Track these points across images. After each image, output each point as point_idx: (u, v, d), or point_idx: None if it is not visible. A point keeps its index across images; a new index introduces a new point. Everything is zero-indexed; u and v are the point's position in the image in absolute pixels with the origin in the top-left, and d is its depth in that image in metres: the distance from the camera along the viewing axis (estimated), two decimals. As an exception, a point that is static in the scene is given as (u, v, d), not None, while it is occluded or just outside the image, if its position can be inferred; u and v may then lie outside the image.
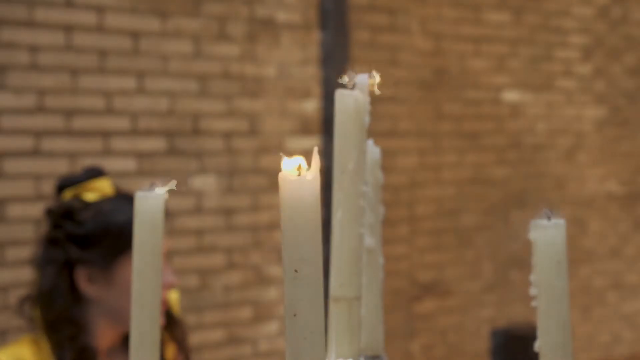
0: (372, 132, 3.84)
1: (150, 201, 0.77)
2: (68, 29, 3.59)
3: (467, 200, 4.84)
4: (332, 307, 0.76)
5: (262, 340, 4.17)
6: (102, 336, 1.77)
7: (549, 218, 0.78)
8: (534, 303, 0.78)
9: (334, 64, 4.29)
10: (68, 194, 1.77)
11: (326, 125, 4.33)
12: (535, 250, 0.78)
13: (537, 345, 0.78)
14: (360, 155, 0.74)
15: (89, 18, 3.67)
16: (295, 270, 0.62)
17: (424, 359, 4.68)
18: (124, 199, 1.77)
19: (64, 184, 1.79)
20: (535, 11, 5.13)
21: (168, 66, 3.87)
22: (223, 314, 4.00)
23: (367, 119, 0.73)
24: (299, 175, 0.61)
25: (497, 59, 4.93)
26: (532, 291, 0.78)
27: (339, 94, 0.72)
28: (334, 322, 0.77)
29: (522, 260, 5.12)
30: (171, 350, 1.88)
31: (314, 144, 4.31)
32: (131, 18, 3.77)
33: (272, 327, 4.20)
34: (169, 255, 3.21)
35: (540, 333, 0.77)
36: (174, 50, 3.88)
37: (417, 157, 4.55)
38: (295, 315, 0.62)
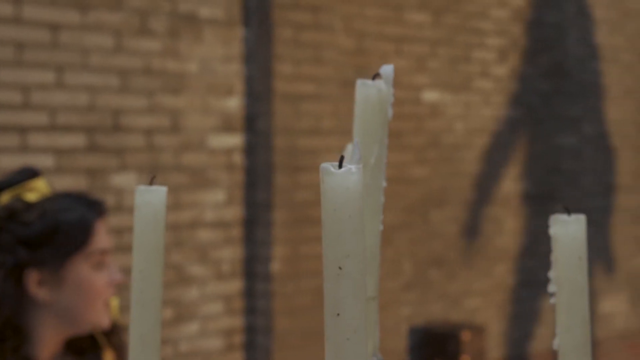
0: (295, 131, 3.85)
1: (152, 195, 0.73)
2: (-16, 20, 3.47)
3: (387, 199, 4.84)
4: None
5: (182, 340, 4.10)
6: (46, 344, 1.70)
7: (568, 213, 0.76)
8: (552, 300, 0.76)
9: (257, 61, 4.25)
10: (5, 197, 1.69)
11: (249, 123, 4.28)
12: (556, 245, 0.76)
13: (556, 344, 0.76)
14: (381, 149, 0.70)
15: (5, 9, 3.55)
16: (340, 267, 0.58)
17: (345, 358, 4.67)
18: (68, 198, 1.70)
19: None
20: (455, 13, 5.18)
21: (88, 60, 3.77)
22: (144, 314, 3.91)
23: (390, 112, 0.70)
24: (341, 167, 0.58)
25: (418, 59, 4.96)
26: (551, 288, 0.76)
27: (361, 83, 0.69)
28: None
29: (440, 259, 5.16)
30: (110, 357, 1.82)
31: (236, 141, 4.26)
32: (50, 10, 3.66)
33: (193, 327, 4.14)
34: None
35: (559, 331, 0.75)
36: (94, 44, 3.78)
37: (339, 156, 4.53)
38: (338, 314, 0.58)
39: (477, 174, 5.37)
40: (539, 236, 5.73)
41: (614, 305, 6.19)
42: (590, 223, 6.02)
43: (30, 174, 1.73)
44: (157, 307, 0.73)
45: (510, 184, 5.56)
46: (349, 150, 0.90)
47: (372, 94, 0.69)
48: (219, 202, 4.21)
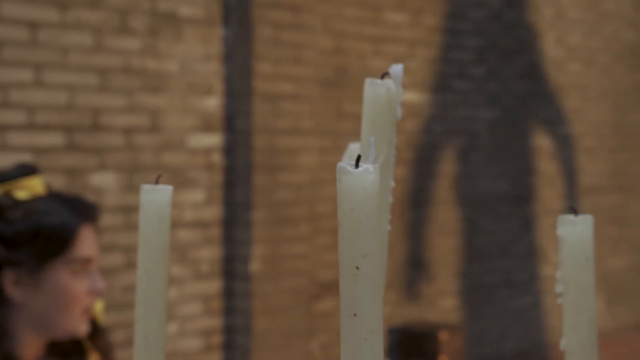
0: (275, 130, 3.85)
1: (158, 194, 0.72)
2: (-38, 17, 3.43)
3: (365, 199, 4.85)
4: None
5: (161, 341, 4.08)
6: (27, 345, 1.67)
7: (575, 213, 0.76)
8: (559, 300, 0.76)
9: (237, 60, 4.24)
10: None
11: (228, 122, 4.27)
12: (563, 246, 0.76)
13: (563, 344, 0.76)
14: (390, 148, 0.70)
15: (-16, 7, 3.52)
16: (357, 267, 0.58)
17: (323, 358, 4.67)
18: (58, 200, 1.66)
19: None
20: (433, 13, 5.20)
21: (67, 59, 3.74)
22: (122, 315, 3.89)
23: (399, 111, 0.69)
24: (358, 167, 0.58)
25: (396, 59, 4.97)
26: (558, 288, 0.76)
27: (369, 82, 0.68)
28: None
29: (418, 260, 5.17)
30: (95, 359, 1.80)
31: (215, 141, 4.24)
32: (29, 8, 3.63)
33: (172, 327, 4.12)
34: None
35: (566, 331, 0.76)
36: (73, 43, 3.76)
37: (318, 156, 4.54)
38: (355, 315, 0.58)
39: (454, 174, 5.39)
40: (515, 237, 5.75)
41: (589, 305, 6.22)
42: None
43: (26, 171, 1.70)
44: (162, 306, 0.73)
45: (487, 184, 5.58)
46: (351, 150, 0.90)
47: (381, 93, 0.69)
48: (198, 202, 4.19)
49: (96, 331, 1.78)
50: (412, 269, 5.14)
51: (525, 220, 5.77)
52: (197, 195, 4.18)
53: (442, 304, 5.34)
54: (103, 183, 3.87)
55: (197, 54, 4.16)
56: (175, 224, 4.10)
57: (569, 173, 6.07)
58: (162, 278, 0.73)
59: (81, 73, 3.78)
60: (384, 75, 0.70)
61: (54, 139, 3.72)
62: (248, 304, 4.25)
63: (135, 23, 3.95)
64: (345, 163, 0.58)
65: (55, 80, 3.70)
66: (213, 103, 4.23)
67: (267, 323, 4.28)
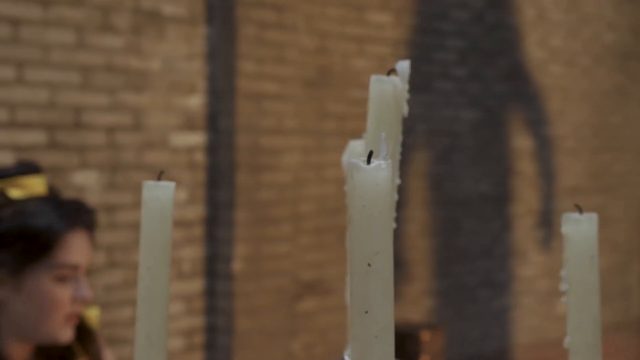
0: (258, 130, 3.83)
1: (160, 191, 0.71)
2: (-57, 13, 3.40)
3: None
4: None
5: (143, 340, 4.06)
6: (14, 346, 1.65)
7: (580, 211, 0.76)
8: (563, 299, 0.76)
9: (220, 59, 4.22)
10: None
11: (211, 122, 4.25)
12: (568, 244, 0.76)
13: (567, 343, 0.76)
14: (396, 146, 0.70)
15: (-35, 3, 3.49)
16: (369, 264, 0.57)
17: (305, 358, 4.67)
18: (51, 202, 1.63)
19: None
20: (416, 13, 5.20)
21: (49, 56, 3.71)
22: (104, 314, 3.87)
23: (406, 108, 0.69)
24: (369, 163, 0.57)
25: (379, 59, 4.97)
26: (562, 287, 0.76)
27: (375, 79, 0.68)
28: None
29: (400, 260, 5.18)
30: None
31: (198, 140, 4.23)
32: (10, 5, 3.60)
33: (153, 327, 4.10)
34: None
35: (570, 330, 0.75)
36: (55, 40, 3.73)
37: (301, 156, 4.53)
38: (367, 312, 0.58)
39: (436, 174, 5.40)
40: (496, 237, 5.77)
41: (569, 305, 6.25)
42: (549, 225, 6.08)
43: (25, 169, 1.67)
44: (165, 304, 0.72)
45: (469, 185, 5.59)
46: (352, 147, 0.89)
47: (387, 89, 0.68)
48: (181, 201, 4.17)
49: (87, 336, 1.76)
50: (394, 268, 5.14)
51: (506, 221, 5.79)
52: (179, 194, 4.16)
53: (424, 304, 5.34)
54: (85, 182, 3.84)
55: (181, 53, 4.14)
56: (158, 223, 4.08)
57: (551, 174, 6.10)
58: (164, 275, 0.72)
59: (63, 71, 3.75)
60: (390, 72, 0.69)
61: (36, 137, 3.69)
62: (230, 304, 4.23)
63: (118, 21, 3.93)
64: (357, 159, 0.58)
65: (37, 78, 3.68)
66: (196, 102, 4.21)
67: (249, 323, 4.27)
